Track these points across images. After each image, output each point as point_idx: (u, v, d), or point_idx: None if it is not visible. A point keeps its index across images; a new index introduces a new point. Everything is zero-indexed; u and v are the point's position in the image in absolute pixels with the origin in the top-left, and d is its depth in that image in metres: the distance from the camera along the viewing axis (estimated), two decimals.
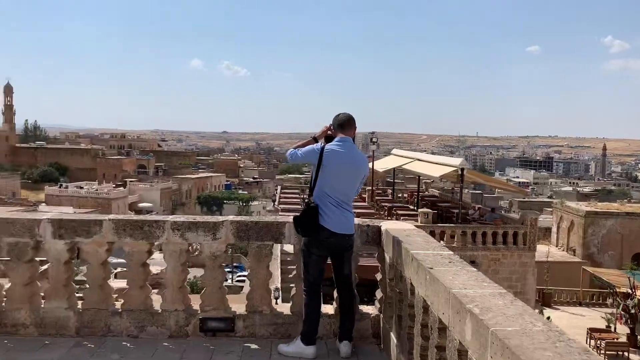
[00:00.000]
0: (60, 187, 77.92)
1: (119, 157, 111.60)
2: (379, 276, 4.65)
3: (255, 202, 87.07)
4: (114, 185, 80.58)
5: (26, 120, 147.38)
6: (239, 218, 4.74)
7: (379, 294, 4.63)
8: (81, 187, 77.12)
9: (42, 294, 4.71)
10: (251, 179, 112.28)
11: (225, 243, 4.63)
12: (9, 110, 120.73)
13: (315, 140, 4.37)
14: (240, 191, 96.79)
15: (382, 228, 4.54)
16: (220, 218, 4.71)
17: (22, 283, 4.52)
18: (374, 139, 26.15)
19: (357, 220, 4.54)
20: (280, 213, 18.26)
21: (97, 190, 74.47)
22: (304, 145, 4.37)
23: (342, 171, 4.21)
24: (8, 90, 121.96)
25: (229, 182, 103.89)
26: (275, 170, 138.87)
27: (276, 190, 26.26)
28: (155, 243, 4.72)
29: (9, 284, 4.55)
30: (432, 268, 3.12)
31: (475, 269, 3.16)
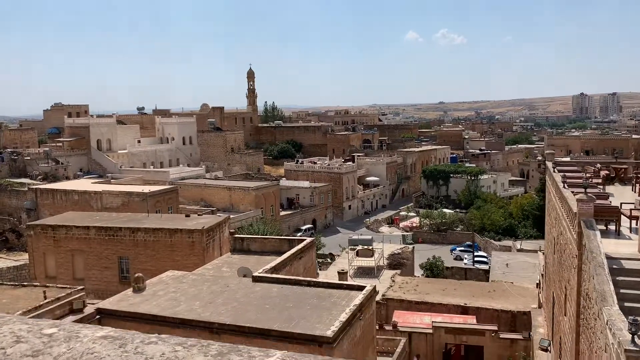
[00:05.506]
0: (296, 163, 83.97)
1: (345, 132, 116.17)
2: None
3: (485, 176, 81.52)
4: (343, 160, 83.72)
5: (265, 102, 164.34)
6: None
7: None
8: (314, 163, 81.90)
9: None
10: (477, 151, 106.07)
11: None
12: (252, 93, 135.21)
13: None
14: (467, 164, 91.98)
15: None
16: None
17: None
18: None
19: None
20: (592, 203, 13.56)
21: (329, 165, 78.15)
22: None
23: None
24: (250, 75, 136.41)
25: (454, 155, 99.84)
26: (501, 140, 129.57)
27: (554, 169, 21.95)
28: None
29: None
30: None
31: None
